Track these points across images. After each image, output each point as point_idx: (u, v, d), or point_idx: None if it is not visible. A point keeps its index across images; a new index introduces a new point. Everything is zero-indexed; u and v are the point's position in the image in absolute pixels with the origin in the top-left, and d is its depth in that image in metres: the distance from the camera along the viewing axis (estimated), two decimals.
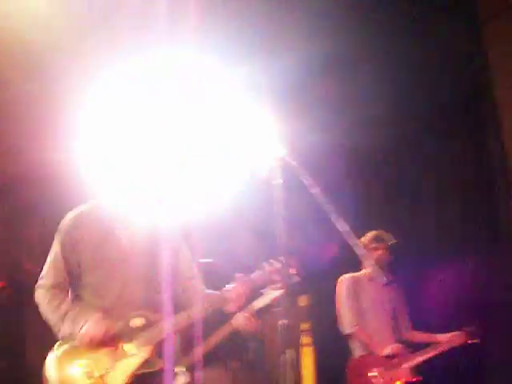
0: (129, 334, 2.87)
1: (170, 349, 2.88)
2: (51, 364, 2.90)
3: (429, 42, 5.11)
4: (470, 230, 5.37)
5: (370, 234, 4.86)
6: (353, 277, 4.88)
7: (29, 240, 6.34)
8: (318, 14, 4.74)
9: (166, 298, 2.96)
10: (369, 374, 4.47)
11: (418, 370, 4.54)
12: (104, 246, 3.02)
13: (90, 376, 2.81)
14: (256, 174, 2.81)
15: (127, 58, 4.27)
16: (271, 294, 4.28)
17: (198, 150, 4.25)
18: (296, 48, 4.70)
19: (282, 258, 2.90)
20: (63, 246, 3.05)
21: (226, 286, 3.06)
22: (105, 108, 4.34)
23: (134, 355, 2.84)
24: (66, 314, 2.94)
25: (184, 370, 4.00)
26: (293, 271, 2.90)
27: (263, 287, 3.06)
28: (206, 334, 3.65)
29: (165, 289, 2.96)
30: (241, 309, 3.14)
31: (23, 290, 5.45)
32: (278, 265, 3.01)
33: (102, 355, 2.85)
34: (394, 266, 4.91)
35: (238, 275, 3.06)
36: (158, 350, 2.88)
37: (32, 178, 6.05)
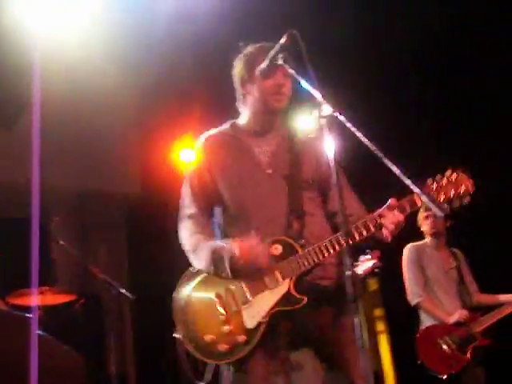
0: (269, 263, 2.46)
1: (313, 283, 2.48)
2: (183, 295, 2.58)
3: None
4: None
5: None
6: (416, 245, 4.83)
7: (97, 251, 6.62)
8: None
9: (313, 224, 2.59)
10: (439, 342, 4.42)
11: (487, 333, 4.46)
12: (243, 163, 2.66)
13: (224, 310, 2.48)
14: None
15: None
16: (365, 265, 4.22)
17: None
18: None
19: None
20: (200, 166, 2.71)
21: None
22: None
23: (273, 288, 2.45)
24: (200, 243, 2.59)
25: None
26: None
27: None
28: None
29: (312, 213, 2.61)
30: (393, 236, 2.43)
31: (98, 301, 5.59)
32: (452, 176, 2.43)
33: (242, 286, 2.48)
34: (454, 232, 4.83)
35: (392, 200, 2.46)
36: (300, 285, 2.46)
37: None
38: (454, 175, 2.44)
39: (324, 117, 2.18)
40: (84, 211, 6.86)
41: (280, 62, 2.45)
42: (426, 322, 4.61)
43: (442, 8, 5.25)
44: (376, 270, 4.10)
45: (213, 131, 2.81)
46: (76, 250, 5.17)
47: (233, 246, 2.44)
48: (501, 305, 4.59)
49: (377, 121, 4.92)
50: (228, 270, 2.46)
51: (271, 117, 2.74)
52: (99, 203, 6.88)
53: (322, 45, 4.33)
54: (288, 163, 2.66)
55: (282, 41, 2.42)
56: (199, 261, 2.59)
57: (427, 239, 4.85)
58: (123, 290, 4.70)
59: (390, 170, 2.02)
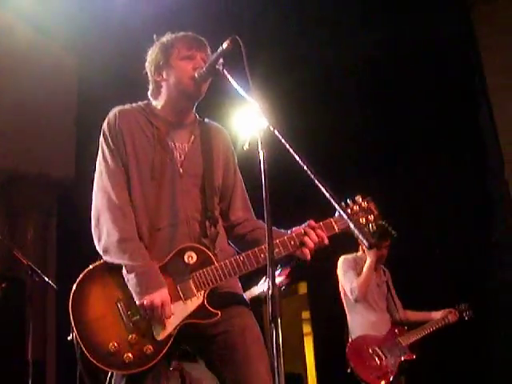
0: (183, 272, 2.34)
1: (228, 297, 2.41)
2: (82, 293, 2.33)
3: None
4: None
5: None
6: (352, 257, 4.83)
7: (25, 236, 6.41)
8: None
9: (223, 233, 2.53)
10: (370, 353, 4.47)
11: (414, 347, 4.56)
12: (156, 153, 2.49)
13: (129, 316, 2.30)
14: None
15: None
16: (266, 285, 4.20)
17: None
18: None
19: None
20: (113, 142, 2.48)
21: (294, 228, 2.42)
22: None
23: (187, 300, 2.32)
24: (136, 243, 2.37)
25: None
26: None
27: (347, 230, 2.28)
28: None
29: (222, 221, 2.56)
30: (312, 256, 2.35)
31: (21, 287, 5.43)
32: (363, 203, 2.45)
33: None
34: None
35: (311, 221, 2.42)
36: (213, 297, 2.35)
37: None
38: (365, 202, 2.45)
39: (259, 129, 2.12)
40: (13, 194, 6.64)
41: (219, 67, 2.35)
42: (356, 332, 4.63)
43: None
44: (282, 288, 4.07)
45: (127, 106, 2.59)
46: (1, 233, 5.00)
47: (157, 293, 2.27)
48: (429, 321, 4.71)
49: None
50: (138, 299, 2.28)
51: (187, 104, 2.59)
52: (29, 186, 6.65)
53: None
54: (201, 165, 2.54)
55: (225, 45, 2.32)
56: (126, 257, 2.33)
57: (361, 253, 4.83)
58: (47, 279, 4.60)
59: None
